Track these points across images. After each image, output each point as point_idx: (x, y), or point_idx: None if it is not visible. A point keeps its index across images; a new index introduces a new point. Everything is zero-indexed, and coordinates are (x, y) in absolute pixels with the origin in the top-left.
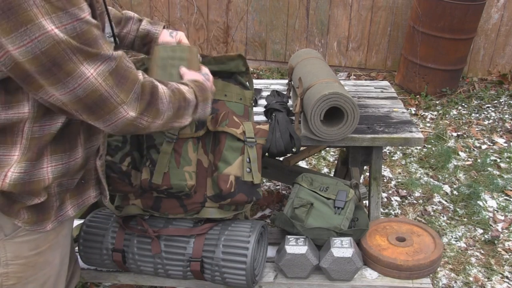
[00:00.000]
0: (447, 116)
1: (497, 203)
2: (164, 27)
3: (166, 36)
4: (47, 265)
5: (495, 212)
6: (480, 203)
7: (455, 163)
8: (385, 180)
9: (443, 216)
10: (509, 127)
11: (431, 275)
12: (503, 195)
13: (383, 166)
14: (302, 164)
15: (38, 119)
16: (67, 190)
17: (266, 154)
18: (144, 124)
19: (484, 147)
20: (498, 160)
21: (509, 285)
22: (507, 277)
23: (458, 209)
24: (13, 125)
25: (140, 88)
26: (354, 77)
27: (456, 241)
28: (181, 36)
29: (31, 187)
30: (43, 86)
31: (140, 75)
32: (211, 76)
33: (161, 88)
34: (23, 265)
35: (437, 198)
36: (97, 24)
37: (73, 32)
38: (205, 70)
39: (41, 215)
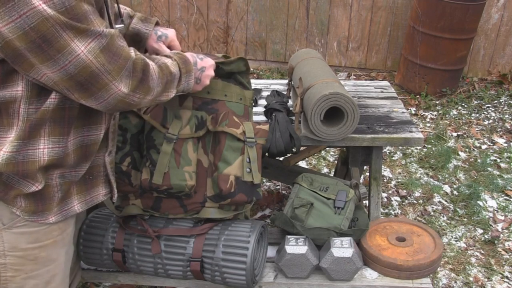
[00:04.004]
0: (447, 116)
1: (497, 203)
2: (157, 23)
3: (153, 41)
4: (51, 263)
5: (495, 212)
6: (480, 203)
7: (455, 163)
8: (385, 180)
9: (443, 216)
10: (509, 127)
11: (431, 275)
12: (503, 195)
13: (383, 166)
14: (302, 164)
15: (33, 99)
16: (71, 183)
17: (266, 154)
18: (135, 101)
19: (484, 147)
20: (498, 160)
21: (509, 285)
22: (507, 277)
23: (458, 209)
24: (7, 104)
25: (132, 65)
26: (354, 77)
27: (456, 241)
28: (170, 38)
29: (25, 168)
30: (34, 64)
31: (132, 52)
32: (209, 63)
33: (151, 65)
34: (21, 257)
35: (437, 198)
36: None
37: (62, 7)
38: (207, 58)
39: (40, 205)
